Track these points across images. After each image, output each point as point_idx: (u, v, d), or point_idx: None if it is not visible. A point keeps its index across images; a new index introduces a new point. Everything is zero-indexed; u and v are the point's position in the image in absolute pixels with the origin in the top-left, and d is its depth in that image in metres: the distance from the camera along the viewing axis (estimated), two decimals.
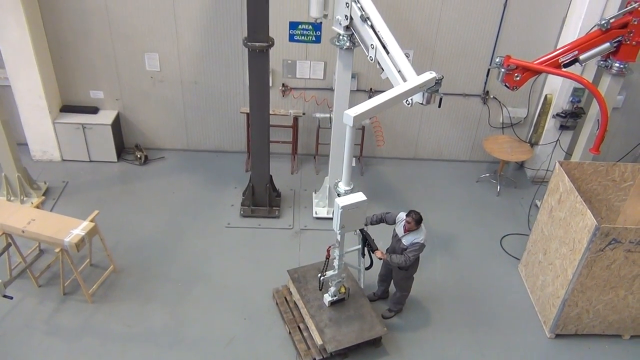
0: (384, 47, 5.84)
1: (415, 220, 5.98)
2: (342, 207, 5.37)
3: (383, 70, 5.94)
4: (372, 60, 6.07)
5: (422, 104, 5.43)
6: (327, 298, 6.28)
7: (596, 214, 6.80)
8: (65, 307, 6.61)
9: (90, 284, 6.80)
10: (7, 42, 7.92)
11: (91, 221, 6.51)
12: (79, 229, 6.32)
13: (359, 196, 5.44)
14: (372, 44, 5.97)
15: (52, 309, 6.57)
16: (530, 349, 6.52)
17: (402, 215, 6.22)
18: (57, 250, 6.31)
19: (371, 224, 6.32)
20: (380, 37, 5.89)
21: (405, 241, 6.09)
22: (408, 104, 5.46)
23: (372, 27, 5.98)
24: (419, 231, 6.06)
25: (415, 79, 5.28)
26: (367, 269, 6.44)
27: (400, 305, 6.73)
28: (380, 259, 6.14)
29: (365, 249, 6.24)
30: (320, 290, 6.29)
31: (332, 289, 6.25)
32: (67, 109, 8.89)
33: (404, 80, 5.52)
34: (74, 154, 9.00)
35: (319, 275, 6.12)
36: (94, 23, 8.24)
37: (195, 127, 9.29)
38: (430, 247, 7.70)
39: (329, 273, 6.11)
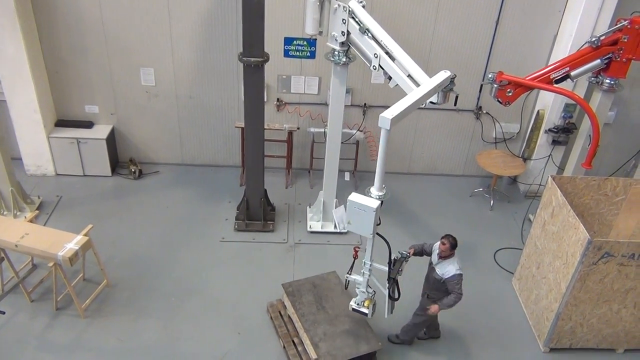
0: (388, 55, 5.90)
1: (451, 244, 5.71)
2: (349, 201, 5.27)
3: (391, 78, 5.98)
4: (375, 69, 6.11)
5: (436, 103, 5.45)
6: (351, 303, 6.06)
7: (589, 228, 6.85)
8: (58, 322, 6.56)
9: (83, 298, 6.76)
10: (3, 58, 7.94)
11: (85, 235, 6.49)
12: (72, 243, 6.30)
13: (371, 202, 5.24)
14: (375, 54, 6.01)
15: (44, 324, 6.52)
16: None
17: (438, 245, 5.94)
18: (51, 264, 6.28)
19: (414, 254, 6.05)
20: (384, 45, 5.94)
21: (439, 270, 5.83)
22: (422, 104, 5.49)
23: (373, 37, 6.05)
24: (453, 259, 5.80)
25: (434, 78, 5.31)
26: (392, 298, 5.89)
27: (407, 337, 6.49)
28: (434, 313, 5.93)
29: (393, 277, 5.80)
30: (346, 289, 6.06)
31: (358, 297, 5.99)
32: (62, 123, 8.90)
33: (416, 83, 5.56)
34: (68, 169, 8.99)
35: (347, 272, 5.95)
36: (90, 38, 8.29)
37: (190, 141, 9.32)
38: (424, 261, 7.70)
39: (354, 276, 5.90)
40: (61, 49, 8.39)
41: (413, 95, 5.14)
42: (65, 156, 8.86)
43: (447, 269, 5.77)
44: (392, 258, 5.69)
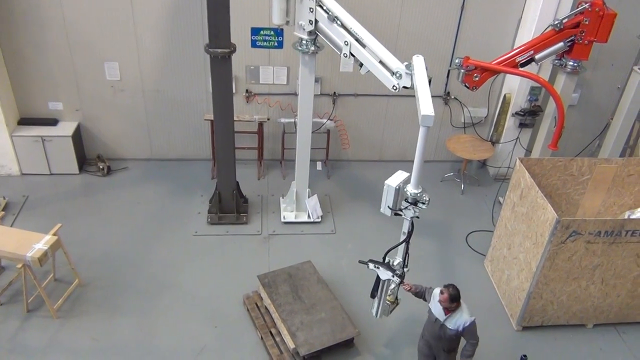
0: (359, 42, 5.90)
1: (450, 295, 5.11)
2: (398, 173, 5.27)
3: (362, 65, 5.99)
4: (346, 57, 6.11)
5: (409, 87, 5.48)
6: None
7: (556, 207, 7.00)
8: (30, 325, 6.43)
9: (55, 299, 6.64)
10: None
11: (54, 235, 6.37)
12: (41, 243, 6.18)
13: (391, 181, 5.16)
14: (345, 41, 6.01)
15: (15, 327, 6.38)
16: (499, 343, 6.65)
17: (437, 292, 5.37)
18: (19, 266, 6.14)
19: (414, 294, 5.70)
20: (353, 33, 5.94)
21: (451, 324, 5.26)
22: (395, 89, 5.51)
23: (342, 25, 6.04)
24: (461, 308, 5.27)
25: (420, 64, 5.32)
26: (371, 293, 5.87)
27: None
28: None
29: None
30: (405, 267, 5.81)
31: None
32: (25, 121, 8.67)
33: (388, 69, 5.59)
34: (34, 167, 8.77)
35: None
36: (51, 33, 8.08)
37: (159, 135, 9.18)
38: None
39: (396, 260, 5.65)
40: (21, 45, 8.15)
41: (424, 86, 5.12)
42: (30, 155, 8.64)
43: (460, 320, 5.26)
44: (388, 262, 5.55)
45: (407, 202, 5.19)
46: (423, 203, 5.17)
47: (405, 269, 5.66)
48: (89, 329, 6.41)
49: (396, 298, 5.82)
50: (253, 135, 9.06)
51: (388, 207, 5.28)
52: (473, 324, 5.27)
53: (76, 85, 8.56)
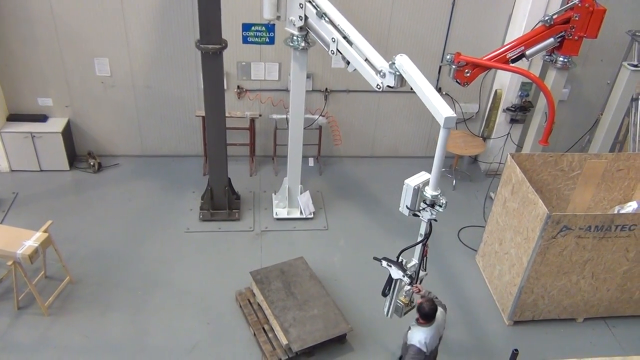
0: (346, 39, 5.89)
1: (419, 305, 5.08)
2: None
3: (349, 63, 5.98)
4: (333, 54, 6.10)
5: (392, 87, 5.45)
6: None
7: (547, 203, 7.03)
8: (20, 322, 6.39)
9: (46, 296, 6.60)
10: None
11: (44, 232, 6.33)
12: (31, 240, 6.14)
13: (409, 181, 5.08)
14: (332, 38, 6.00)
15: (6, 325, 6.34)
16: (490, 337, 6.69)
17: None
18: (9, 263, 6.10)
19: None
20: (341, 30, 5.93)
21: (409, 333, 5.28)
22: (379, 88, 5.48)
23: (330, 22, 6.03)
24: (425, 329, 5.18)
25: (410, 65, 5.22)
26: (383, 292, 5.66)
27: None
28: None
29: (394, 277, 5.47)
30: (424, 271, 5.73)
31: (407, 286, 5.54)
32: (14, 117, 8.60)
33: (374, 67, 5.56)
34: (24, 164, 8.71)
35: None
36: (40, 29, 8.00)
37: (150, 132, 9.14)
38: (391, 243, 7.79)
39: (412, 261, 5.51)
40: (9, 41, 8.07)
41: (428, 87, 5.01)
42: (20, 151, 8.57)
43: (412, 335, 5.23)
44: (401, 261, 5.41)
45: (425, 203, 5.10)
46: (440, 206, 5.06)
47: (424, 272, 5.61)
48: (80, 326, 6.38)
49: (411, 300, 5.74)
50: (245, 132, 9.04)
51: (406, 206, 5.19)
52: (414, 349, 5.11)
53: (66, 81, 8.50)
